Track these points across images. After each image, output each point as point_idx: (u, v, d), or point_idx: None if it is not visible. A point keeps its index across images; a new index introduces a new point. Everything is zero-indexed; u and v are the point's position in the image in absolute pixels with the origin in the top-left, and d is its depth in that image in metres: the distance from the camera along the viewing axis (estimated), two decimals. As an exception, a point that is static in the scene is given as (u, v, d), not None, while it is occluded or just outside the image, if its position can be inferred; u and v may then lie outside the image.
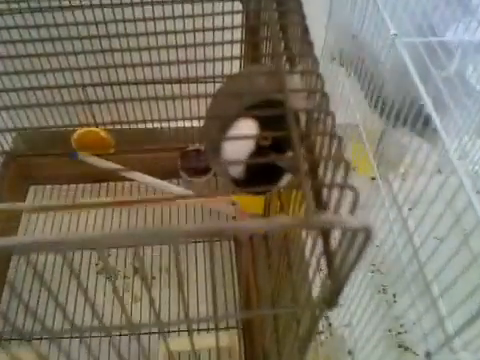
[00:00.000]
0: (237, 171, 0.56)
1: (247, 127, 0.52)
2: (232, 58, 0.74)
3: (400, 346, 1.17)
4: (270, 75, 0.50)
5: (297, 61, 0.51)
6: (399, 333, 1.19)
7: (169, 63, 0.60)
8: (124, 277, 1.28)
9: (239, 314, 0.45)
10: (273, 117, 0.43)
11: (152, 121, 1.00)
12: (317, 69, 0.44)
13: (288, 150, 0.51)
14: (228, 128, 0.53)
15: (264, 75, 0.53)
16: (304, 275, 0.53)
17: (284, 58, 0.74)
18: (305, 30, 0.49)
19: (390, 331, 1.18)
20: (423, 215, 0.83)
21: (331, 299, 0.42)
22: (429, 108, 0.69)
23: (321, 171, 0.42)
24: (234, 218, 1.20)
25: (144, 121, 1.22)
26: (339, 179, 0.40)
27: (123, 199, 1.01)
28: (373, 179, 1.20)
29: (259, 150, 0.52)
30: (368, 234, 0.32)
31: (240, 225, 0.30)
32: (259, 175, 0.52)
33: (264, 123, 0.51)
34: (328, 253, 0.39)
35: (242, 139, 0.49)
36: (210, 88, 1.19)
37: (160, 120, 0.94)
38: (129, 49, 0.82)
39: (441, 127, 0.72)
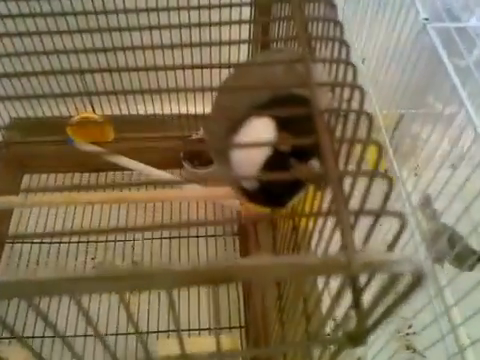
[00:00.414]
0: (249, 180, 0.47)
1: (262, 127, 0.42)
2: (240, 42, 0.66)
3: (408, 348, 1.14)
4: (289, 64, 0.42)
5: (319, 46, 0.42)
6: (407, 334, 1.15)
7: (172, 46, 0.52)
8: (122, 272, 1.21)
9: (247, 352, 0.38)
10: (294, 116, 0.36)
11: (154, 115, 0.92)
12: (348, 57, 0.35)
13: (311, 157, 0.42)
14: (238, 129, 0.44)
15: (281, 64, 0.45)
16: (318, 306, 0.45)
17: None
18: (331, 6, 0.40)
19: (399, 332, 1.14)
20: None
21: (357, 338, 0.35)
22: (462, 95, 0.62)
23: (346, 185, 0.35)
24: (240, 215, 1.13)
25: (146, 112, 1.16)
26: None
27: (120, 194, 0.94)
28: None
29: (277, 155, 0.43)
30: (419, 278, 0.24)
31: (252, 267, 0.23)
32: (274, 183, 0.44)
33: (283, 122, 0.43)
34: (355, 289, 0.32)
35: (256, 146, 0.41)
36: (216, 75, 1.11)
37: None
38: (128, 28, 0.74)
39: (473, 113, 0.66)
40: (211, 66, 0.43)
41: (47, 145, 1.17)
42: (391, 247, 0.28)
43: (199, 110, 1.21)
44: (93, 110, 1.21)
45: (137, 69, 1.08)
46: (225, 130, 0.44)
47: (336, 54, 0.39)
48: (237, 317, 1.14)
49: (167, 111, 1.22)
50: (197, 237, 1.24)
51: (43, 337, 1.07)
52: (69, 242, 1.23)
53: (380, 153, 0.30)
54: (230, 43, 0.62)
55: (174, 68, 1.10)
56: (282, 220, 0.83)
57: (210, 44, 0.50)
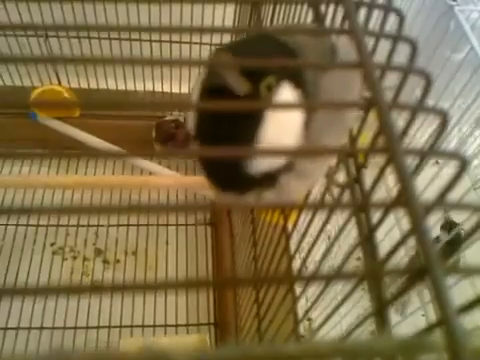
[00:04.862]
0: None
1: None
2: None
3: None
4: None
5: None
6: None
7: (149, 1, 0.43)
8: (84, 259, 1.12)
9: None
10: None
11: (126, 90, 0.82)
12: (401, 31, 0.26)
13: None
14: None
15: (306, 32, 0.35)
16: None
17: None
18: None
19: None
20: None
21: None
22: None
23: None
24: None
25: (116, 87, 1.06)
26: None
27: (87, 178, 0.85)
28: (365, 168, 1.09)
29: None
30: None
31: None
32: None
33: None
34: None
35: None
36: (196, 51, 1.03)
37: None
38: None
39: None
40: (191, 29, 0.35)
41: (5, 118, 1.06)
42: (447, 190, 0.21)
43: (175, 88, 1.12)
44: (59, 82, 1.11)
45: (110, 38, 0.99)
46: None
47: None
48: (206, 314, 1.06)
49: (140, 87, 1.13)
50: (167, 225, 1.15)
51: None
52: (27, 225, 1.13)
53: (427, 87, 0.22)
54: (215, 1, 0.54)
55: (151, 40, 1.02)
56: (266, 212, 0.75)
57: (192, 1, 0.41)
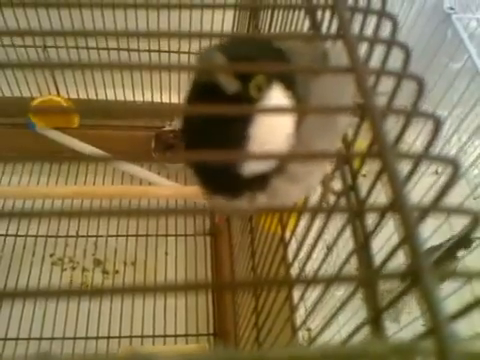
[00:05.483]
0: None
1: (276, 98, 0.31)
2: (225, 6, 0.57)
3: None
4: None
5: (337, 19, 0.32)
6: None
7: (147, 6, 0.43)
8: (83, 270, 1.12)
9: None
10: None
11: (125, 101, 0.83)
12: (384, 7, 0.26)
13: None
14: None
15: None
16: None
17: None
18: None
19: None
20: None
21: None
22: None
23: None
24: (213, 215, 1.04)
25: (115, 97, 1.06)
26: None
27: (85, 188, 0.85)
28: (364, 176, 1.09)
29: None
30: None
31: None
32: None
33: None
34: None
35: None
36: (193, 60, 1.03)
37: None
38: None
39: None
40: (190, 35, 0.35)
41: (4, 128, 1.07)
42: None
43: (174, 98, 1.13)
44: (57, 92, 1.11)
45: (108, 48, 0.99)
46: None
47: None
48: (205, 324, 1.06)
49: (139, 98, 1.13)
50: (166, 236, 1.15)
51: None
52: (26, 236, 1.12)
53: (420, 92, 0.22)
54: (214, 7, 0.54)
55: (150, 50, 1.03)
56: (265, 220, 0.75)
57: (190, 6, 0.41)
